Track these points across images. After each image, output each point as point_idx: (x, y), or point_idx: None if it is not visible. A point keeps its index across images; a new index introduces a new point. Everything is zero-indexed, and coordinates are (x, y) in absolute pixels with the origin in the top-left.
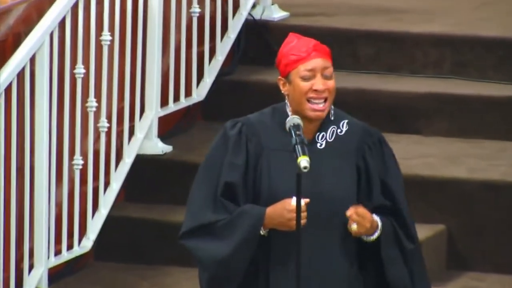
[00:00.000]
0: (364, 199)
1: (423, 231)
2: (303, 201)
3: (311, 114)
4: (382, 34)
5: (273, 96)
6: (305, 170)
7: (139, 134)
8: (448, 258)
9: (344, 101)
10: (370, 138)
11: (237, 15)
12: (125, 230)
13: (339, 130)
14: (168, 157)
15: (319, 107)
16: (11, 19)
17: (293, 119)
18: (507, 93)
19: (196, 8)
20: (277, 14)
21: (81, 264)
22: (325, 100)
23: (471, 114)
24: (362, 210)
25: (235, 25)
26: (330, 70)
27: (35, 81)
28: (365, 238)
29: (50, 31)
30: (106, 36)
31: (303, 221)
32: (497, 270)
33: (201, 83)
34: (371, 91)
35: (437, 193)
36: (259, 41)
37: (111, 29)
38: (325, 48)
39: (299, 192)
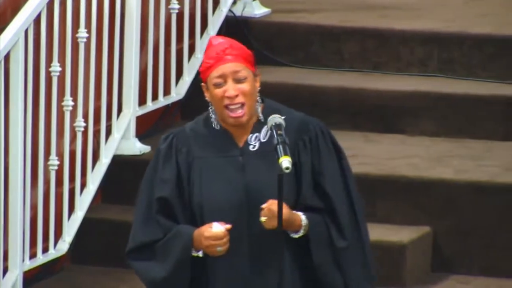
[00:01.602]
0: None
1: (407, 233)
2: (224, 227)
3: (231, 121)
4: (367, 31)
5: None
6: (287, 171)
7: (116, 134)
8: (433, 260)
9: (327, 100)
10: (306, 133)
11: (217, 11)
12: (102, 233)
13: None
14: (146, 157)
15: (237, 114)
16: None
17: (274, 118)
18: (495, 91)
19: (175, 5)
20: (258, 10)
21: (57, 267)
22: (242, 105)
23: (458, 114)
24: (275, 208)
25: (215, 22)
26: (243, 73)
27: (10, 79)
28: (290, 234)
29: (25, 28)
30: (82, 33)
31: (224, 248)
32: (483, 272)
33: (180, 82)
34: (355, 90)
35: (423, 195)
36: (240, 38)
37: (88, 26)
38: (240, 50)
39: (281, 194)
